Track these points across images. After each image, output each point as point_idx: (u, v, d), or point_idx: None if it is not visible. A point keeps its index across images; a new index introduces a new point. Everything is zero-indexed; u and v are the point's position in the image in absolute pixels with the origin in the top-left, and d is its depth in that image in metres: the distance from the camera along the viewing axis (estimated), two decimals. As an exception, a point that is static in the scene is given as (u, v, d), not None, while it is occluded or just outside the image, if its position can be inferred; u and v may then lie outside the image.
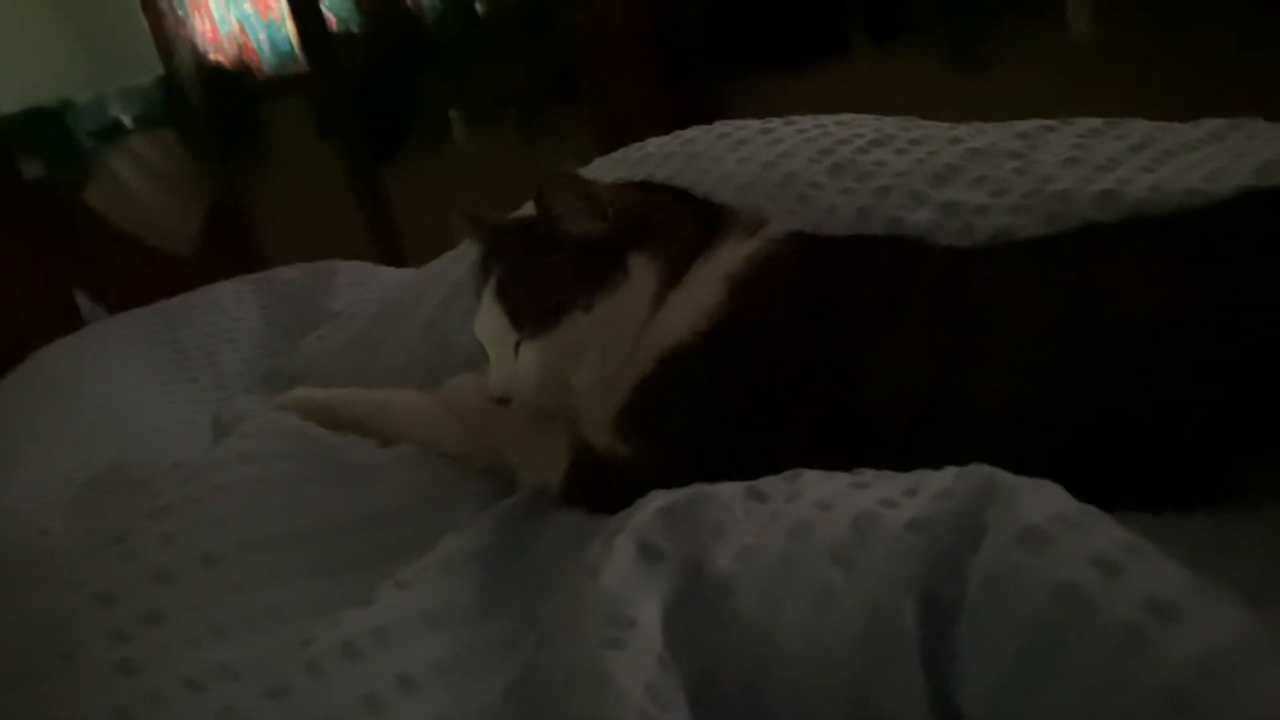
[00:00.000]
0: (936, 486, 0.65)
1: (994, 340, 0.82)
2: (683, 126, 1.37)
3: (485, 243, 1.06)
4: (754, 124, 1.25)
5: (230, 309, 1.69)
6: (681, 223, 1.02)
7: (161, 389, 1.50)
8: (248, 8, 3.50)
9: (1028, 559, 0.56)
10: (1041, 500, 0.60)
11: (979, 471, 0.65)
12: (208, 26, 3.61)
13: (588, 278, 0.96)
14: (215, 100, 3.61)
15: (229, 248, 3.68)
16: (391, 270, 1.81)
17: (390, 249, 3.31)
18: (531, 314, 0.96)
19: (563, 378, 0.97)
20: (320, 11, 3.23)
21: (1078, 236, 0.91)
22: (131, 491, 0.91)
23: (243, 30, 3.54)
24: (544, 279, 0.97)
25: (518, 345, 0.97)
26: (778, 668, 0.60)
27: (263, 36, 3.52)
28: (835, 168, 1.11)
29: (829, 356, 0.87)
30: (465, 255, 1.31)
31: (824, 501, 0.68)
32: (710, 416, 0.90)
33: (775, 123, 1.23)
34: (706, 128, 1.27)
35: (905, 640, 0.57)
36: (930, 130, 1.17)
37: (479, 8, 2.99)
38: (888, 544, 0.61)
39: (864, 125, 1.20)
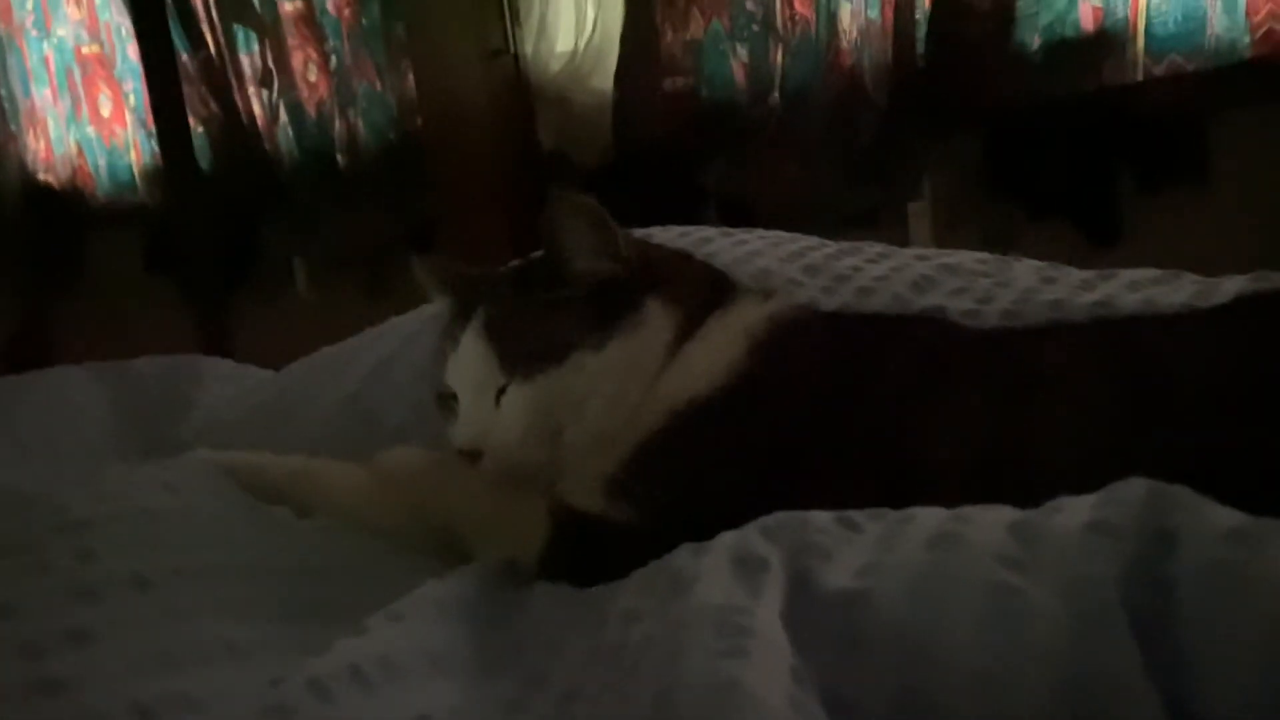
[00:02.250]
0: (1089, 500, 0.58)
1: (1051, 407, 0.77)
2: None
3: (460, 289, 0.96)
4: (710, 228, 1.22)
5: (72, 396, 1.50)
6: (695, 275, 0.96)
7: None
8: (90, 131, 3.33)
9: (1246, 557, 0.51)
10: (1219, 508, 0.55)
11: (1139, 482, 0.58)
12: (41, 145, 3.42)
13: (599, 316, 0.87)
14: (38, 221, 3.38)
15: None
16: (261, 371, 1.64)
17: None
18: (529, 352, 0.86)
19: (553, 428, 0.86)
20: (190, 142, 3.09)
21: (1108, 321, 0.90)
22: (32, 506, 0.75)
23: (80, 153, 3.36)
24: (547, 315, 0.88)
25: (500, 393, 0.87)
26: (946, 679, 0.50)
27: (102, 162, 3.34)
28: (809, 269, 1.09)
29: (862, 421, 0.80)
30: (392, 332, 1.21)
31: (956, 516, 0.60)
32: (727, 478, 0.81)
33: (735, 230, 1.21)
34: (661, 229, 1.22)
35: (1125, 644, 0.49)
36: (891, 249, 1.17)
37: (340, 160, 2.94)
38: (1068, 547, 0.54)
39: (823, 240, 1.19)
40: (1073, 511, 0.58)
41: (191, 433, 1.22)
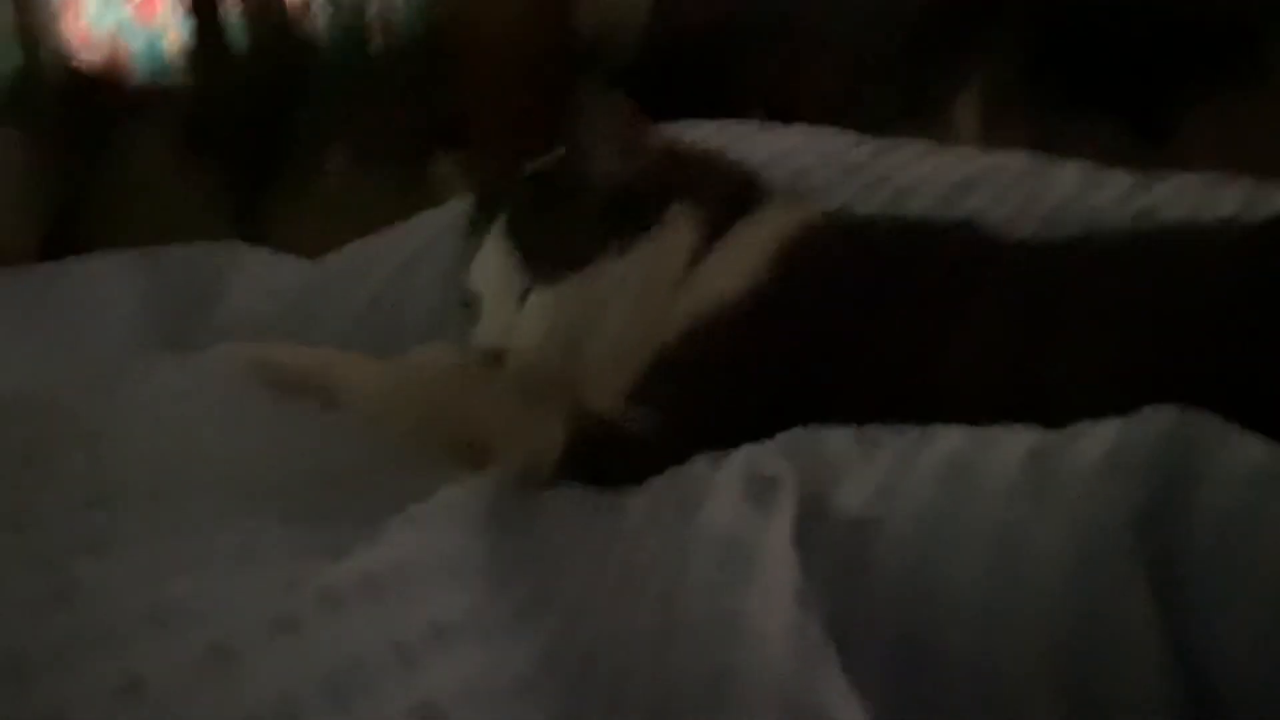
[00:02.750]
0: (1112, 427, 0.56)
1: (1080, 326, 0.75)
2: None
3: (486, 188, 0.94)
4: (750, 124, 1.19)
5: (104, 285, 1.50)
6: (724, 178, 0.93)
7: (19, 357, 1.29)
8: (127, 13, 3.29)
9: (1267, 501, 0.49)
10: (1246, 439, 0.53)
11: (1166, 411, 0.56)
12: (79, 26, 3.38)
13: (622, 220, 0.86)
14: (75, 105, 3.36)
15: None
16: (298, 260, 1.62)
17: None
18: (550, 257, 0.86)
19: (574, 333, 0.85)
20: (220, 27, 3.05)
21: (1145, 234, 0.87)
22: (43, 413, 0.75)
23: (117, 36, 3.32)
24: (569, 218, 0.87)
25: (524, 295, 0.84)
26: (950, 615, 0.50)
27: (138, 46, 3.31)
28: (848, 168, 1.07)
29: (886, 336, 0.79)
30: (420, 228, 1.19)
31: (976, 439, 0.58)
32: (747, 388, 0.81)
33: (774, 126, 1.18)
34: (695, 122, 1.19)
35: (1134, 587, 0.48)
36: (933, 147, 1.14)
37: (373, 48, 2.90)
38: (1085, 481, 0.52)
39: (863, 137, 1.16)
40: (1095, 440, 0.56)
41: (218, 328, 1.21)
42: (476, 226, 0.92)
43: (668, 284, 0.86)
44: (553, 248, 0.87)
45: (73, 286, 1.49)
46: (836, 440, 0.62)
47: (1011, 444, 0.58)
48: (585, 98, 0.87)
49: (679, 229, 0.87)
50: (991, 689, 0.48)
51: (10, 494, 0.64)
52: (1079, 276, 0.78)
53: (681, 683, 0.48)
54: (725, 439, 0.74)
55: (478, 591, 0.62)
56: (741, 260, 0.85)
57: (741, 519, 0.55)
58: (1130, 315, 0.74)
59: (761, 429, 0.76)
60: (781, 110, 2.42)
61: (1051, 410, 0.71)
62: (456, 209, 1.15)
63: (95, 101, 3.34)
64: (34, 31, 3.41)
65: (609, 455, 0.80)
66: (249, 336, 1.11)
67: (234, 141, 3.12)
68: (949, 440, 0.60)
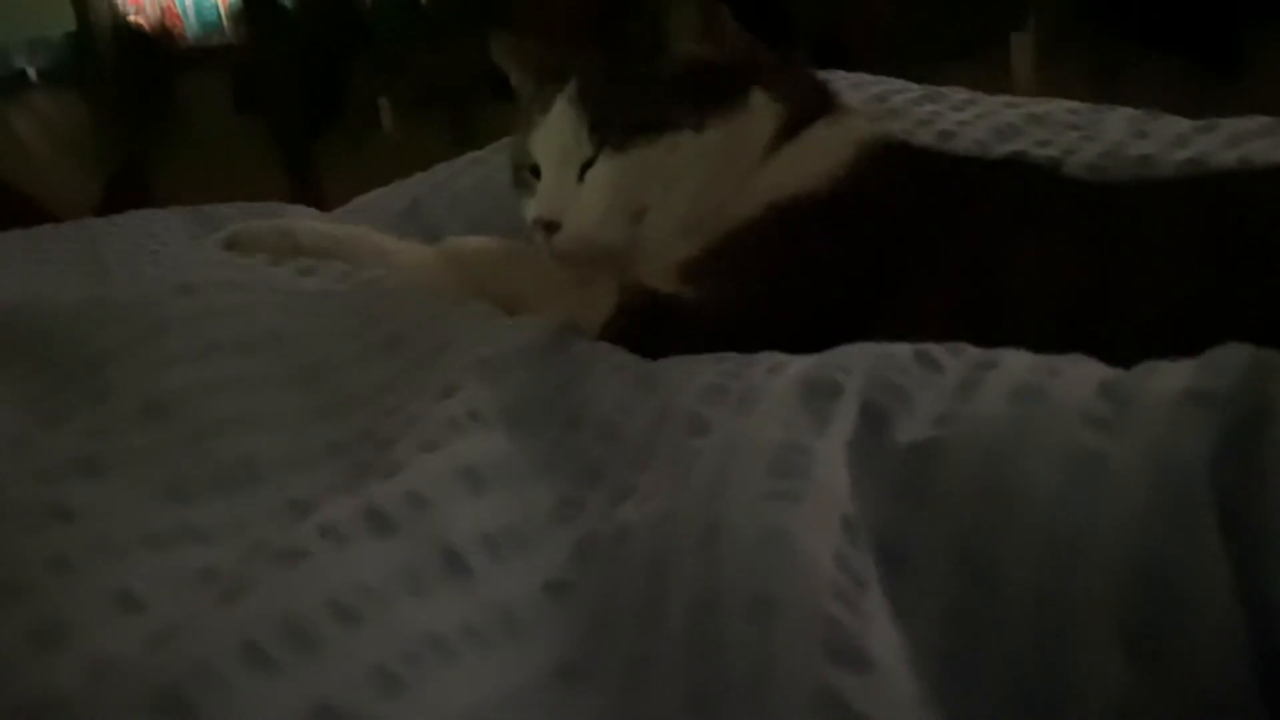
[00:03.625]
0: (1190, 365, 0.54)
1: (1147, 251, 0.73)
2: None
3: (547, 64, 0.92)
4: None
5: (159, 233, 1.52)
6: (804, 80, 0.93)
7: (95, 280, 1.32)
8: (177, -30, 3.33)
9: None
10: None
11: (1242, 349, 0.54)
12: (129, -14, 3.42)
13: (701, 95, 0.84)
14: (130, 63, 3.40)
15: (130, 218, 3.45)
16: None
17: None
18: (623, 123, 0.84)
19: (637, 208, 0.84)
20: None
21: (1215, 175, 0.85)
22: (49, 333, 0.76)
23: (168, -6, 3.36)
24: (645, 87, 0.85)
25: (585, 167, 0.85)
26: (1016, 540, 0.48)
27: (189, 2, 3.34)
28: (891, 112, 1.05)
29: (967, 243, 0.78)
30: (464, 159, 1.19)
31: (1043, 366, 0.56)
32: (813, 281, 0.79)
33: (816, 72, 1.16)
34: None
35: (1206, 521, 0.46)
36: (977, 95, 1.12)
37: (423, -1, 2.91)
38: (1163, 411, 0.50)
39: (907, 84, 1.15)
40: (1170, 375, 0.54)
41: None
42: (540, 98, 0.90)
43: (743, 166, 0.84)
44: (626, 114, 0.84)
45: (127, 236, 1.50)
46: (899, 359, 0.59)
47: (1083, 373, 0.56)
48: None
49: (760, 113, 0.85)
50: (1049, 621, 0.47)
51: (10, 418, 0.66)
52: (1141, 212, 0.76)
53: (723, 598, 0.46)
54: (780, 327, 0.74)
55: (507, 503, 0.59)
56: (820, 157, 0.83)
57: (796, 426, 0.53)
58: (1192, 250, 0.72)
59: (817, 325, 0.73)
60: (832, 49, 2.39)
61: (1114, 341, 0.70)
62: (499, 145, 1.15)
63: (150, 60, 3.38)
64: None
65: (659, 324, 0.79)
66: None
67: (286, 94, 3.14)
68: (1017, 365, 0.58)
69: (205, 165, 3.44)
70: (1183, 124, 1.03)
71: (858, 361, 0.59)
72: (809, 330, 0.69)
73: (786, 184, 0.82)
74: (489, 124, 2.89)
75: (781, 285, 0.80)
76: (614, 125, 0.84)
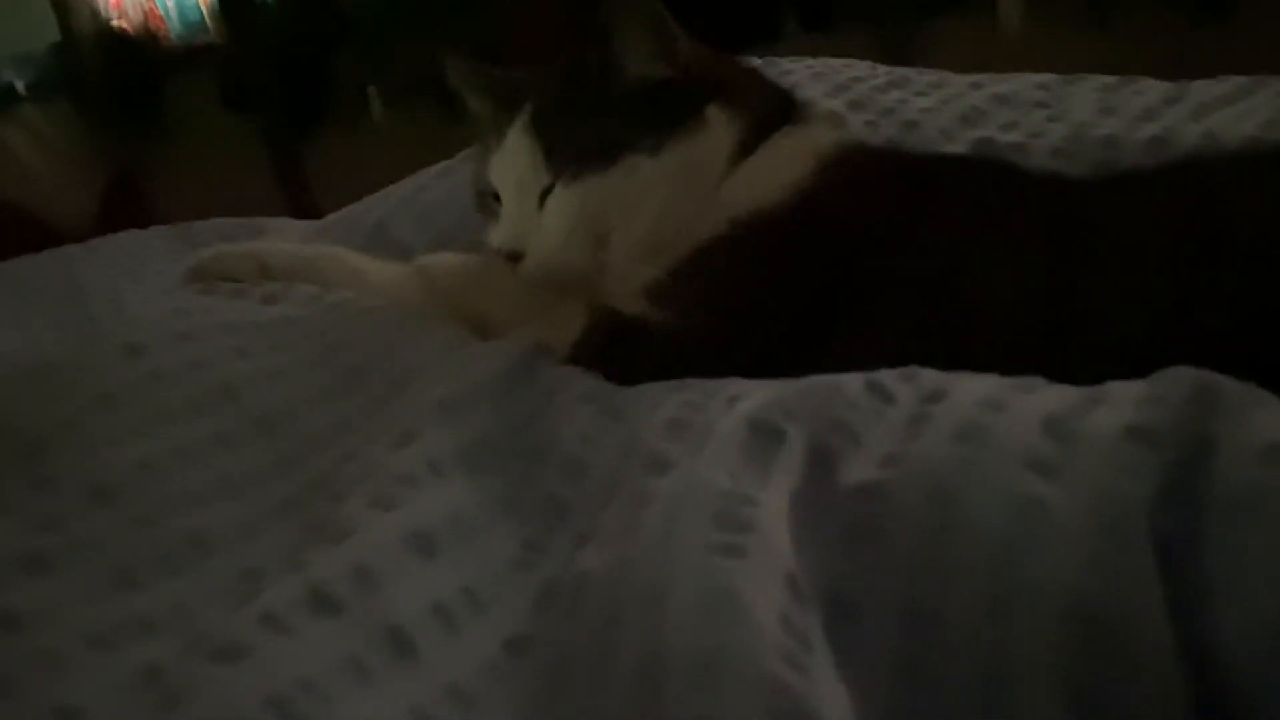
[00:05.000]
0: (1134, 392, 0.54)
1: (1113, 253, 0.72)
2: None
3: (502, 88, 0.92)
4: (755, 60, 1.16)
5: (138, 253, 1.52)
6: (763, 90, 0.91)
7: (52, 331, 1.32)
8: (156, -28, 3.31)
9: None
10: (1271, 410, 0.51)
11: (1186, 375, 0.54)
12: (110, -9, 3.41)
13: (656, 117, 0.83)
14: (116, 69, 3.39)
15: (128, 225, 3.45)
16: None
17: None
18: (578, 150, 0.83)
19: (599, 233, 0.84)
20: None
21: (1175, 166, 0.83)
22: (57, 382, 0.76)
23: (149, -2, 3.35)
24: (599, 112, 0.84)
25: (544, 194, 0.84)
26: (958, 590, 0.48)
27: (170, 4, 3.33)
28: (853, 103, 1.04)
29: (929, 255, 0.76)
30: (430, 171, 1.19)
31: (990, 401, 0.56)
32: (778, 297, 0.78)
33: (778, 60, 1.15)
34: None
35: (1145, 567, 0.46)
36: (945, 76, 1.11)
37: (401, -12, 2.89)
38: (1104, 453, 0.50)
39: (874, 68, 1.14)
40: (1114, 406, 0.53)
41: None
42: (496, 124, 0.90)
43: (703, 185, 0.83)
44: (581, 141, 0.83)
45: (112, 259, 1.51)
46: (849, 393, 0.59)
47: (1028, 406, 0.55)
48: (617, 2, 0.84)
49: (717, 131, 0.84)
50: (992, 671, 0.47)
51: (11, 488, 0.66)
52: (1108, 213, 0.75)
53: (670, 660, 0.46)
54: (746, 345, 0.74)
55: (461, 563, 0.58)
56: (779, 171, 0.81)
57: (742, 476, 0.53)
58: (1158, 253, 0.71)
59: (781, 345, 0.75)
60: (821, 9, 2.38)
61: (1078, 347, 0.70)
62: (468, 153, 1.14)
63: (136, 64, 3.37)
64: (67, 3, 3.44)
65: (626, 348, 0.78)
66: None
67: (272, 90, 3.13)
68: (965, 398, 0.57)
69: (198, 166, 3.45)
70: (1151, 94, 1.01)
71: (806, 399, 0.59)
72: (773, 350, 0.69)
73: (746, 200, 0.81)
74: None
75: (743, 305, 0.79)
76: (569, 153, 0.84)
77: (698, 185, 0.84)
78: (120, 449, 0.70)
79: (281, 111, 3.15)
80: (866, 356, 0.65)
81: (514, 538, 0.61)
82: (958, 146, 0.96)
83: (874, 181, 0.83)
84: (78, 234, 3.34)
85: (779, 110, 0.89)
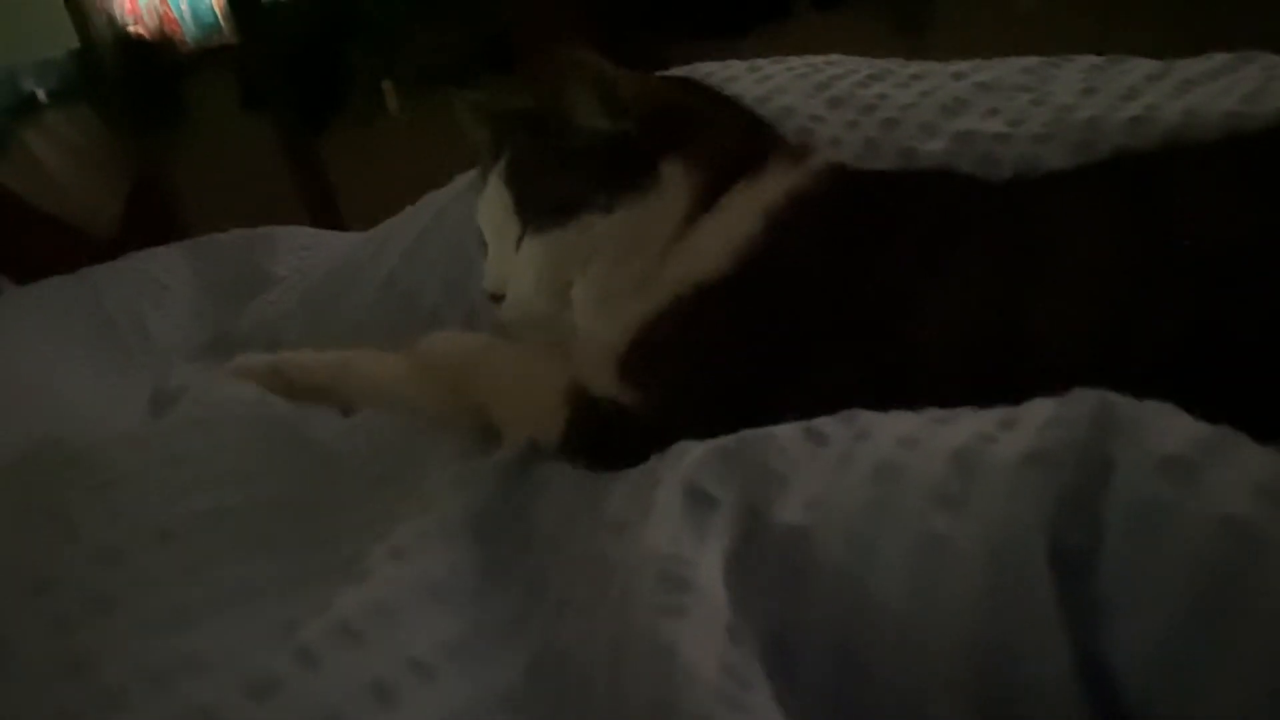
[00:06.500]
0: (1041, 416, 0.56)
1: (1059, 273, 0.73)
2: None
3: (496, 126, 0.94)
4: (737, 63, 1.17)
5: (159, 275, 1.56)
6: (726, 135, 0.90)
7: (84, 359, 1.37)
8: (169, -24, 3.34)
9: (1177, 492, 0.48)
10: (1170, 424, 0.52)
11: (1089, 396, 0.56)
12: (125, -2, 3.44)
13: (611, 174, 0.84)
14: (135, 73, 3.43)
15: (154, 227, 3.48)
16: (337, 234, 1.69)
17: (327, 224, 3.18)
18: (541, 205, 0.85)
19: (564, 283, 0.86)
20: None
21: (1132, 163, 0.83)
22: (69, 466, 0.80)
23: (164, 0, 3.38)
24: (560, 167, 0.85)
25: (519, 240, 0.86)
26: (876, 628, 0.51)
27: (184, 7, 3.36)
28: (834, 101, 1.04)
29: (874, 301, 0.77)
30: (426, 206, 1.21)
31: (906, 439, 0.58)
32: (733, 365, 0.80)
33: (761, 62, 1.16)
34: (688, 68, 1.18)
35: (1040, 591, 0.48)
36: (928, 66, 1.10)
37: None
38: (1002, 481, 0.52)
39: (856, 63, 1.13)
40: (1021, 431, 0.56)
41: (248, 325, 1.27)
42: (485, 165, 0.92)
43: (654, 247, 0.83)
44: (544, 196, 0.85)
45: (135, 279, 1.55)
46: (782, 440, 0.62)
47: (941, 442, 0.57)
48: (562, 60, 0.85)
49: (670, 190, 0.84)
50: (914, 703, 0.49)
51: (34, 553, 0.69)
52: (1055, 225, 0.75)
53: (629, 709, 0.51)
54: (712, 416, 0.74)
55: (467, 607, 0.65)
56: (729, 232, 0.82)
57: (680, 541, 0.56)
58: (1105, 265, 0.71)
59: (743, 412, 0.75)
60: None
61: (1025, 367, 0.71)
62: (459, 186, 1.17)
63: (154, 68, 3.41)
64: (84, 9, 3.47)
65: (605, 434, 0.81)
66: (272, 335, 1.16)
67: (287, 89, 3.16)
68: (886, 436, 0.60)
69: (219, 166, 3.49)
70: (1134, 72, 1.01)
71: (741, 453, 0.62)
72: (737, 417, 0.71)
73: (694, 270, 0.82)
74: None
75: (701, 382, 0.80)
76: (533, 207, 0.86)
77: (648, 245, 0.85)
78: (186, 499, 0.75)
79: (296, 109, 3.17)
80: (823, 410, 0.67)
81: (509, 607, 0.66)
82: (939, 142, 0.95)
83: (819, 235, 0.83)
84: (104, 237, 3.44)
85: (745, 155, 0.88)
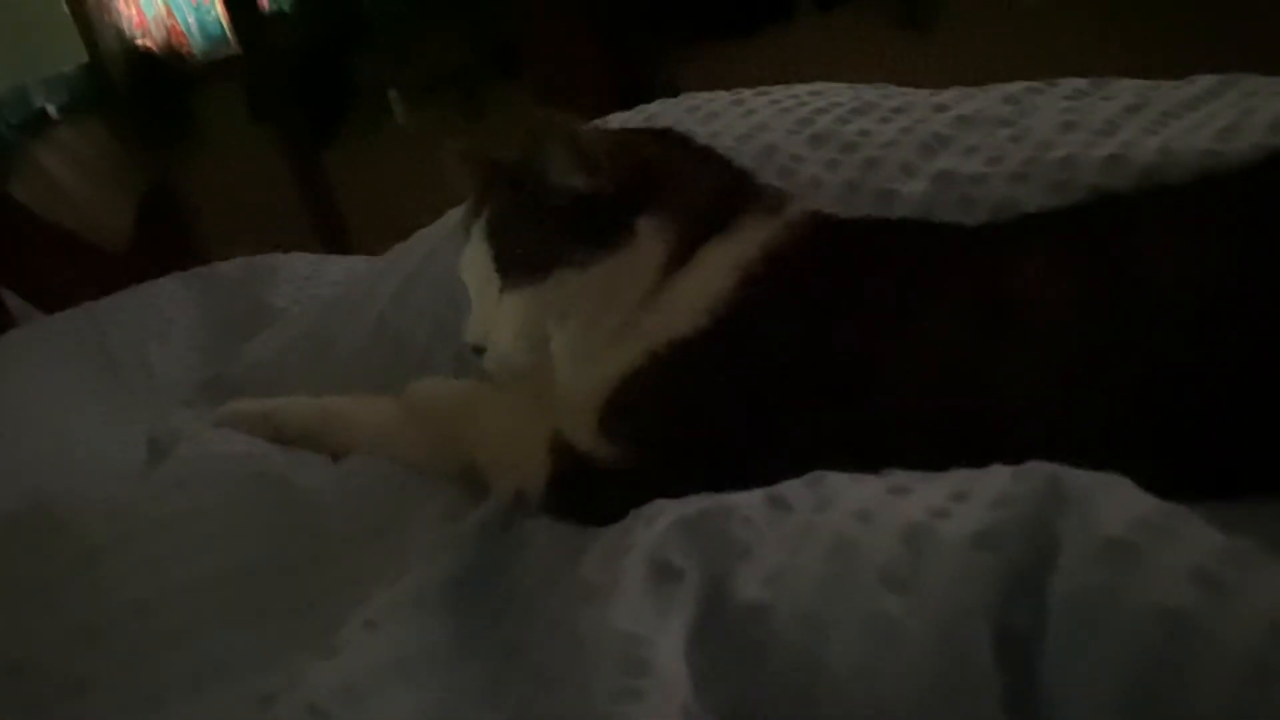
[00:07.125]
0: (993, 491, 0.57)
1: (1025, 326, 0.73)
2: (628, 99, 1.29)
3: (479, 177, 0.94)
4: (723, 95, 1.17)
5: (164, 308, 1.59)
6: (702, 189, 0.90)
7: (90, 399, 1.39)
8: (176, -10, 3.36)
9: (1117, 579, 0.49)
10: (1118, 502, 0.53)
11: (1039, 471, 0.56)
12: (133, 11, 3.46)
13: (587, 231, 0.85)
14: (144, 87, 3.45)
15: (165, 239, 3.53)
16: (337, 260, 1.71)
17: (334, 233, 3.20)
18: (518, 261, 0.86)
19: (543, 337, 0.87)
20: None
21: (1103, 209, 0.83)
22: (53, 533, 0.81)
23: (170, 14, 3.40)
24: (538, 224, 0.86)
25: (501, 293, 0.87)
26: (830, 708, 0.52)
27: (191, 20, 3.38)
28: (815, 139, 1.04)
29: (845, 355, 0.78)
30: (416, 245, 1.22)
31: (862, 513, 0.59)
32: (709, 421, 0.81)
33: (745, 93, 1.16)
34: (672, 101, 1.19)
35: (985, 678, 0.49)
36: (911, 97, 1.10)
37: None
38: (951, 564, 0.53)
39: (840, 94, 1.13)
40: (972, 506, 0.56)
41: (244, 366, 1.28)
42: (469, 217, 0.92)
43: (629, 304, 0.84)
44: (521, 253, 0.86)
45: (137, 311, 1.57)
46: (746, 508, 0.62)
47: (894, 517, 0.58)
48: (535, 119, 0.85)
49: (645, 247, 0.84)
50: None
51: (11, 631, 0.71)
52: (1024, 278, 0.75)
53: None
54: (690, 471, 0.76)
55: (433, 689, 0.65)
56: (702, 289, 0.82)
57: (642, 619, 0.57)
58: (1075, 318, 0.72)
59: (726, 456, 0.78)
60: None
61: (994, 425, 0.72)
62: (450, 223, 1.17)
63: (163, 80, 3.43)
64: (93, 24, 3.50)
65: (586, 489, 0.82)
66: (264, 380, 1.18)
67: (292, 99, 3.17)
68: (843, 507, 0.60)
69: (228, 177, 3.51)
70: (1115, 101, 1.01)
71: (704, 524, 0.63)
72: (713, 472, 0.72)
73: (667, 327, 0.82)
74: (499, 102, 2.92)
75: (676, 438, 0.81)
76: (512, 263, 0.87)
77: (623, 302, 0.85)
78: (167, 569, 0.76)
79: (302, 120, 3.19)
80: (801, 465, 0.68)
81: (481, 674, 0.68)
82: (918, 183, 0.96)
83: (792, 287, 0.83)
84: (117, 249, 3.46)
85: (718, 209, 0.88)
